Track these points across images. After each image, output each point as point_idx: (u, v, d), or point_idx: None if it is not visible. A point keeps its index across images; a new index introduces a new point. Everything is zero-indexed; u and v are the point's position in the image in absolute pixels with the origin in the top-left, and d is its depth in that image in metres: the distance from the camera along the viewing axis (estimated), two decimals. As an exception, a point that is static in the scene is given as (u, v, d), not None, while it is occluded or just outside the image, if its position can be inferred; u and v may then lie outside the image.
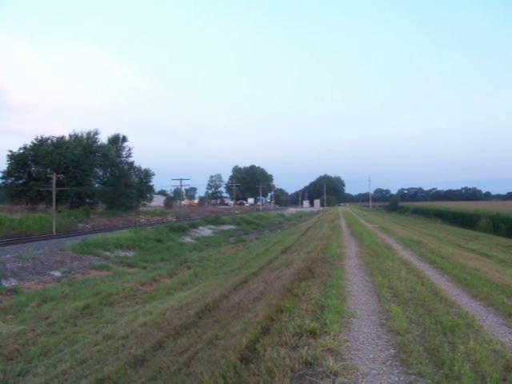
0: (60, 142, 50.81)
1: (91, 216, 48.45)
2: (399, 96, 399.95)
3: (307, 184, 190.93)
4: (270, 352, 4.23)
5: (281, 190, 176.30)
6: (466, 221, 49.49)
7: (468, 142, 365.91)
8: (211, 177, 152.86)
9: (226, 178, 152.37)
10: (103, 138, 63.54)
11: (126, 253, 27.18)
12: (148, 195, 69.08)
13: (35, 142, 49.91)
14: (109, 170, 60.17)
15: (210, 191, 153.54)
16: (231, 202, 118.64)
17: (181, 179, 59.61)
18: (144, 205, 69.46)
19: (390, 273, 8.83)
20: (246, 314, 6.96)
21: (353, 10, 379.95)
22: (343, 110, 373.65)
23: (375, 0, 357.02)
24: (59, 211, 42.53)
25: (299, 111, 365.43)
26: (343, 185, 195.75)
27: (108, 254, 25.71)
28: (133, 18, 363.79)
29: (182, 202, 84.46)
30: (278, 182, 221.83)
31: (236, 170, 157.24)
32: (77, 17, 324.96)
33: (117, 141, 64.47)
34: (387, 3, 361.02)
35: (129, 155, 64.95)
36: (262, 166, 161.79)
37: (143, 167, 67.93)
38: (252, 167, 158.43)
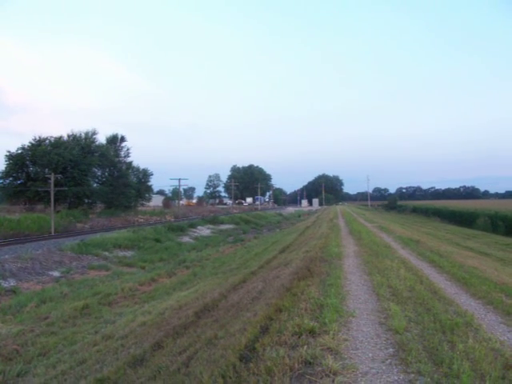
0: (58, 142, 50.70)
1: (90, 216, 48.38)
2: (398, 95, 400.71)
3: (306, 183, 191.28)
4: (270, 351, 4.23)
5: (279, 190, 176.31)
6: (464, 219, 49.56)
7: (466, 141, 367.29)
8: (210, 176, 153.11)
9: (224, 178, 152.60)
10: (101, 138, 63.78)
11: (125, 253, 27.14)
12: (146, 195, 69.05)
13: (33, 142, 49.81)
14: (107, 169, 60.09)
15: (208, 191, 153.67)
16: (230, 202, 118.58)
17: (179, 179, 59.64)
18: (142, 205, 69.39)
19: (389, 272, 8.84)
20: (245, 313, 6.96)
21: (355, 8, 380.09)
22: (341, 109, 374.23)
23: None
24: (57, 211, 42.43)
25: (297, 110, 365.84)
26: (342, 184, 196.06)
27: (107, 254, 25.67)
28: (132, 19, 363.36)
29: (181, 202, 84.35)
30: (277, 182, 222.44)
31: (234, 169, 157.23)
32: (76, 17, 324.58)
33: (115, 141, 64.39)
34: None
35: (127, 155, 65.03)
36: (260, 166, 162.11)
37: (141, 167, 68.09)
38: (250, 167, 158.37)
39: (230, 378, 4.02)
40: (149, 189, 69.86)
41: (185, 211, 70.30)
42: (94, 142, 58.28)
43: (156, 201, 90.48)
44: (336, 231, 22.53)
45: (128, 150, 65.21)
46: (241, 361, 4.38)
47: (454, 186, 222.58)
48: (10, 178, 48.62)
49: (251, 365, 4.09)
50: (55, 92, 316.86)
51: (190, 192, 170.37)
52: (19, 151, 48.45)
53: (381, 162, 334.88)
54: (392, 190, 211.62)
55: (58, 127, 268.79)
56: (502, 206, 59.64)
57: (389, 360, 4.04)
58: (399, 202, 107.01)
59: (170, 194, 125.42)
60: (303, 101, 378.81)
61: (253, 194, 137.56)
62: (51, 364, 8.36)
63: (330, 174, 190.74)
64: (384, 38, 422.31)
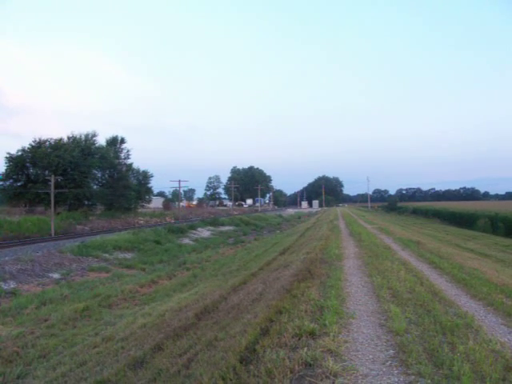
0: (58, 144, 50.67)
1: (90, 218, 48.32)
2: (398, 96, 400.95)
3: (306, 185, 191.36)
4: (270, 353, 4.23)
5: (279, 191, 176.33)
6: (464, 221, 49.57)
7: (466, 143, 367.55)
8: (210, 178, 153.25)
9: (224, 180, 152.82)
10: (101, 140, 63.70)
11: (125, 254, 27.12)
12: (146, 197, 69.08)
13: (33, 144, 49.78)
14: (107, 171, 60.03)
15: (208, 192, 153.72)
16: (230, 203, 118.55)
17: (179, 181, 59.76)
18: (142, 206, 69.40)
19: (389, 273, 8.83)
20: (245, 315, 6.95)
21: (356, 8, 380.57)
22: (341, 110, 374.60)
23: None
24: (58, 213, 42.41)
25: (297, 112, 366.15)
26: (342, 185, 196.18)
27: (107, 255, 25.65)
28: (132, 21, 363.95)
29: (181, 204, 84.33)
30: (277, 183, 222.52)
31: (234, 171, 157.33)
32: (76, 18, 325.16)
33: (115, 142, 64.34)
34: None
35: (127, 157, 64.88)
36: (260, 167, 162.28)
37: (142, 169, 68.09)
38: (250, 168, 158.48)
39: (231, 379, 4.02)
40: (149, 190, 69.87)
41: (185, 213, 70.28)
42: (93, 143, 58.20)
43: (156, 203, 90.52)
44: (336, 233, 22.52)
45: (128, 151, 65.16)
46: (241, 363, 4.38)
47: (454, 187, 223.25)
48: (11, 180, 48.60)
49: (251, 367, 4.09)
50: (55, 94, 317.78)
51: (190, 194, 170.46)
52: (19, 153, 48.45)
53: (381, 164, 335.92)
54: (392, 192, 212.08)
55: (57, 129, 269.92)
56: (502, 207, 59.69)
57: (389, 362, 4.04)
58: (399, 204, 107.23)
59: (170, 196, 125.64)
60: (303, 102, 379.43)
61: (253, 196, 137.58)
62: (51, 366, 8.35)
63: (330, 175, 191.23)
64: (386, 39, 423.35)
